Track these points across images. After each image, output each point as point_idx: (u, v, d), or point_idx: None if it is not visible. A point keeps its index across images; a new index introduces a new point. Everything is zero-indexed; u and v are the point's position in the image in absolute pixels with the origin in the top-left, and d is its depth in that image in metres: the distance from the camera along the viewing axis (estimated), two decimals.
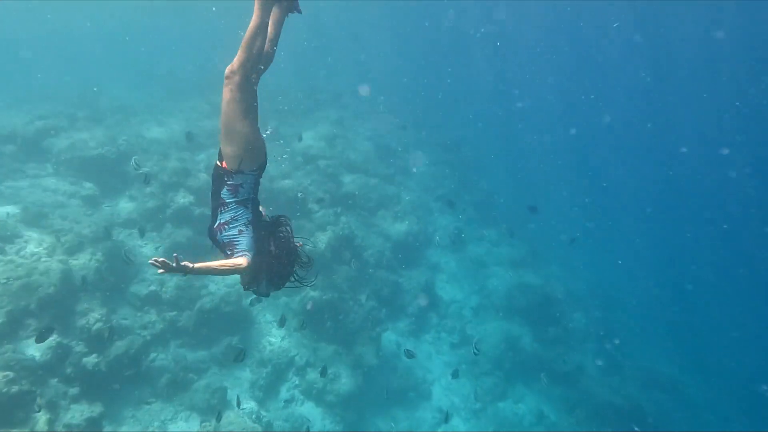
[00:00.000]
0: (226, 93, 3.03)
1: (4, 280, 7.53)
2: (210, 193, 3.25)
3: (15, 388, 6.35)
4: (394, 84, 32.49)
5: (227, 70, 3.02)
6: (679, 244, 33.61)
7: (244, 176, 3.15)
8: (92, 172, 11.55)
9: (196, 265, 2.88)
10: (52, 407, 6.73)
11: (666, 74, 40.13)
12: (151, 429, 8.07)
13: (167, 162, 11.94)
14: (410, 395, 11.80)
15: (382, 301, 12.77)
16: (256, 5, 3.07)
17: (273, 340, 10.60)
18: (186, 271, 2.82)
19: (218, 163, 3.18)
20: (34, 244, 8.59)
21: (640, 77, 41.34)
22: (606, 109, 43.77)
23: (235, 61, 3.02)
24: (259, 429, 7.38)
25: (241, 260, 3.06)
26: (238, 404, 8.59)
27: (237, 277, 3.28)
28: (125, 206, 11.40)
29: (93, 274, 8.75)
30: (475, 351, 10.15)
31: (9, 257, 7.98)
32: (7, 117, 13.26)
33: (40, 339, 6.70)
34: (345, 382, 10.25)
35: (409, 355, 10.29)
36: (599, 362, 15.80)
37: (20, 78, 23.64)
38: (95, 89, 18.69)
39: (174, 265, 2.75)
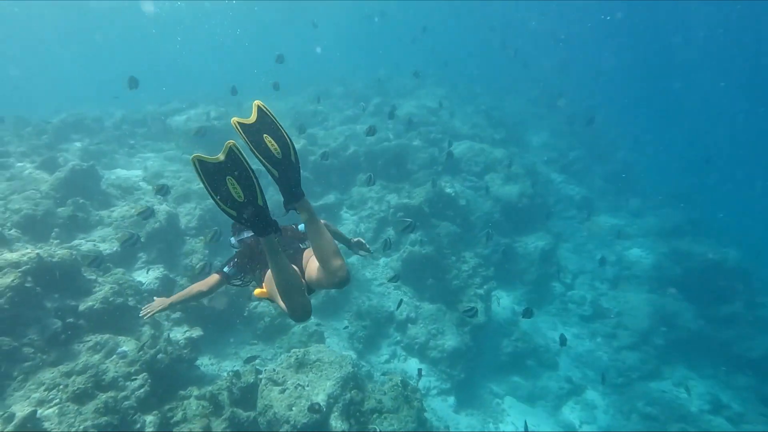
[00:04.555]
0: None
1: (120, 219, 8.55)
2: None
3: (120, 300, 7.00)
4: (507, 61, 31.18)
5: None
6: None
7: None
8: (204, 143, 12.83)
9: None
10: (156, 325, 7.28)
11: None
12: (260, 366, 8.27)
13: None
14: (529, 363, 10.45)
15: (490, 262, 11.71)
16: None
17: (371, 295, 10.30)
18: None
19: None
20: (149, 195, 9.70)
21: None
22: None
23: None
24: (353, 354, 7.00)
25: None
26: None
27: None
28: None
29: (196, 220, 9.50)
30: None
31: (127, 204, 9.08)
32: (143, 106, 15.65)
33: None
34: (450, 338, 9.43)
35: (528, 314, 8.66)
36: None
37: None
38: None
39: None
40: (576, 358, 10.96)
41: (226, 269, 3.36)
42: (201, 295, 3.36)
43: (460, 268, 10.66)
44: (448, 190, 12.49)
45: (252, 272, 3.28)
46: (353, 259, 11.35)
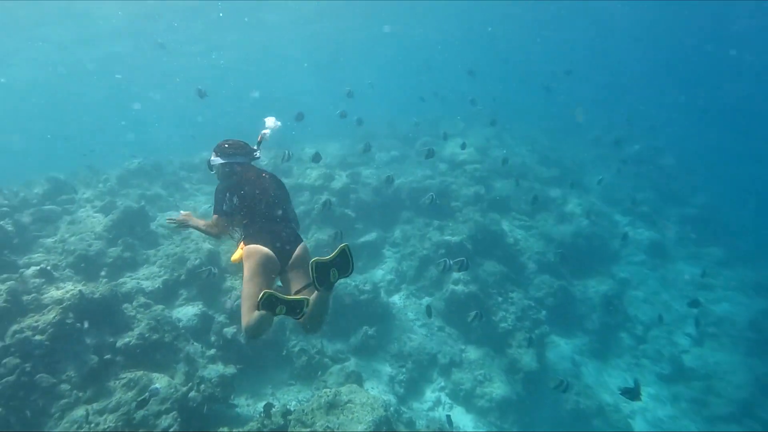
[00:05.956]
0: None
1: (164, 258, 9.02)
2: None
3: (155, 336, 7.22)
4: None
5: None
6: None
7: None
8: None
9: None
10: (190, 362, 7.40)
11: None
12: (288, 406, 8.13)
13: (312, 171, 13.23)
14: (596, 423, 9.47)
15: (543, 305, 11.06)
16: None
17: (413, 336, 9.96)
18: None
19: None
20: (195, 234, 10.20)
21: None
22: None
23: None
24: (392, 398, 6.71)
25: None
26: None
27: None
28: None
29: None
30: None
31: (173, 243, 9.60)
32: (199, 152, 16.89)
33: None
34: (498, 386, 8.82)
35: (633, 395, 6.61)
36: None
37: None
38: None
39: None
40: (654, 424, 9.80)
41: (224, 207, 3.54)
42: (211, 235, 3.72)
43: (508, 310, 10.13)
44: (493, 227, 12.14)
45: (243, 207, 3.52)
46: (396, 298, 11.16)
